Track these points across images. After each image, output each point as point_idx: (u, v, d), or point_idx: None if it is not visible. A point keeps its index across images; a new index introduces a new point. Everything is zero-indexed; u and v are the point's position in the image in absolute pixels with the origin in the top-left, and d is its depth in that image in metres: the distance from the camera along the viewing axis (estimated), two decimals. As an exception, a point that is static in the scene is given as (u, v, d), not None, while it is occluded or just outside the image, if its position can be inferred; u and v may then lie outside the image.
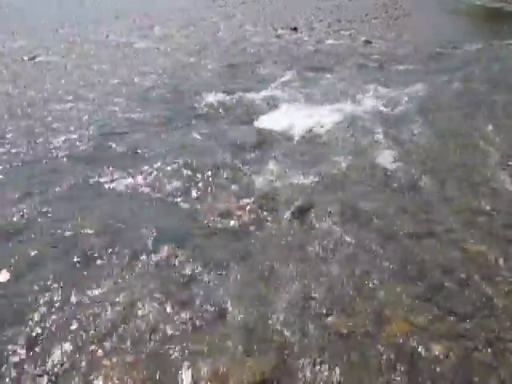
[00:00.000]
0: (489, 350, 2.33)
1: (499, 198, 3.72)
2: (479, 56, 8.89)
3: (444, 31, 12.23)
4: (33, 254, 3.02)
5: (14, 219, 3.39)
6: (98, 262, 2.95)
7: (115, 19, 13.76)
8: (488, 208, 3.60)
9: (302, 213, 3.46)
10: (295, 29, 11.54)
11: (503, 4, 19.01)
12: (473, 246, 3.16)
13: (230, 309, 2.57)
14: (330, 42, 10.14)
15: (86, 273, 2.85)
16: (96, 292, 2.69)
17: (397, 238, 3.20)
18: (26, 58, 8.46)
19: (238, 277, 2.82)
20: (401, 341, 2.36)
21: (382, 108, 5.65)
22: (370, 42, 10.05)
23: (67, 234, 3.22)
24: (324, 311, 2.56)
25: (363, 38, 10.37)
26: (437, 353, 2.29)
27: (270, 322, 2.48)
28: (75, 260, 2.96)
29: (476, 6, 19.64)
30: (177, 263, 2.93)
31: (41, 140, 4.76)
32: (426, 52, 9.13)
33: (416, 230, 3.29)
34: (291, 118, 5.21)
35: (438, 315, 2.53)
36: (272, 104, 5.73)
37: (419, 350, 2.31)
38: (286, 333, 2.41)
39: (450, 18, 15.83)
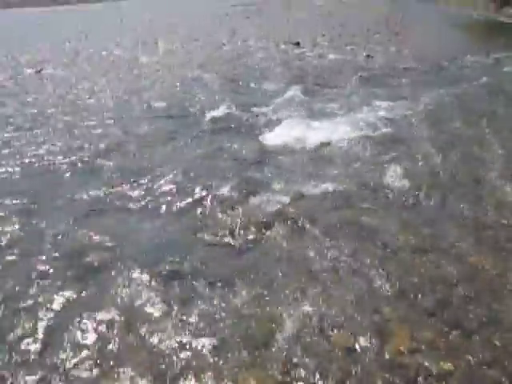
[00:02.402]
0: (496, 366, 2.30)
1: (504, 211, 3.69)
2: (479, 68, 8.94)
3: (444, 45, 12.31)
4: (33, 266, 3.02)
5: (16, 232, 3.39)
6: (99, 276, 2.94)
7: (120, 34, 13.96)
8: (492, 221, 3.58)
9: (305, 228, 3.45)
10: (298, 43, 11.66)
11: (502, 17, 19.17)
12: (478, 259, 3.13)
13: (232, 324, 2.55)
14: (332, 56, 10.23)
15: (86, 287, 2.84)
16: (96, 308, 2.66)
17: (401, 253, 3.18)
18: (32, 71, 8.57)
19: (241, 292, 2.81)
20: (405, 357, 2.33)
21: (384, 122, 5.66)
22: (372, 56, 10.13)
23: (68, 247, 3.22)
24: (328, 326, 2.53)
25: (365, 53, 10.46)
26: (442, 369, 2.26)
27: (273, 337, 2.46)
28: (77, 274, 2.95)
29: (476, 19, 19.80)
30: (178, 278, 2.92)
31: (44, 153, 4.79)
32: (426, 65, 9.19)
33: (420, 244, 3.27)
34: (295, 132, 5.22)
35: (444, 331, 2.50)
36: (275, 118, 5.75)
37: (425, 366, 2.29)
38: (290, 348, 2.39)
39: (450, 31, 15.96)
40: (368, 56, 10.19)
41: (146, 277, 2.93)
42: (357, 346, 2.40)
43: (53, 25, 16.68)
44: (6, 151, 4.88)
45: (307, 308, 2.68)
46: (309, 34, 13.47)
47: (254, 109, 6.20)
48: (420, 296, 2.79)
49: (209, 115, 5.95)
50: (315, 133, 5.19)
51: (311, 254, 3.17)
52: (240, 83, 7.77)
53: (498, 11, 20.71)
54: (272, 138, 5.15)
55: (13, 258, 3.15)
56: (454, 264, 3.08)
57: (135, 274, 2.95)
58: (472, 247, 3.25)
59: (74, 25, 16.59)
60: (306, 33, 13.83)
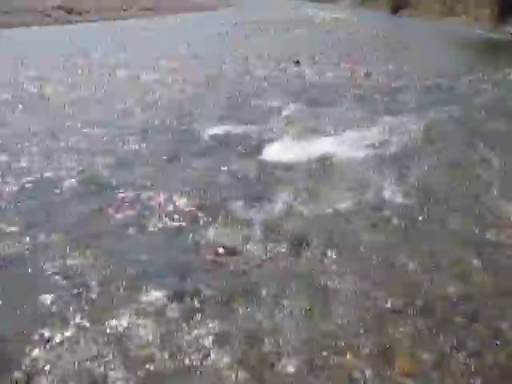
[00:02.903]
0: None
1: (505, 229, 3.69)
2: (478, 86, 9.03)
3: (443, 62, 12.45)
4: (33, 286, 2.99)
5: (16, 250, 3.38)
6: (99, 297, 2.91)
7: (123, 52, 14.11)
8: (493, 239, 3.57)
9: (305, 246, 3.44)
10: (298, 62, 11.79)
11: (500, 35, 19.43)
12: (480, 278, 3.11)
13: (233, 345, 2.51)
14: (331, 74, 10.33)
15: (85, 308, 2.81)
16: (93, 329, 2.64)
17: (402, 271, 3.17)
18: (33, 89, 8.65)
19: (242, 312, 2.78)
20: (409, 379, 2.30)
21: (383, 140, 5.69)
22: (371, 74, 10.23)
23: (68, 266, 3.19)
24: (329, 348, 2.50)
25: (364, 71, 10.56)
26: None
27: (274, 358, 2.43)
28: (75, 294, 2.92)
29: (473, 37, 20.07)
30: (179, 299, 2.89)
31: (44, 172, 4.79)
32: (425, 83, 9.29)
33: (421, 262, 3.25)
34: (295, 150, 5.25)
35: (447, 351, 2.47)
36: (275, 135, 5.78)
37: (429, 388, 2.25)
38: (293, 371, 2.35)
39: (449, 49, 16.15)
40: (367, 74, 10.28)
41: (145, 297, 2.90)
42: (358, 367, 2.36)
43: (53, 42, 16.89)
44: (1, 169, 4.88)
45: (308, 327, 2.65)
46: (308, 52, 13.62)
47: (254, 126, 6.24)
48: (422, 315, 2.76)
49: (208, 132, 5.99)
50: (315, 150, 5.21)
51: (311, 273, 3.15)
52: (240, 101, 7.83)
53: (495, 29, 21.04)
54: (271, 155, 5.17)
55: (9, 276, 3.13)
56: (457, 282, 3.06)
57: (135, 295, 2.92)
58: (474, 265, 3.24)
59: (74, 42, 16.78)
60: (306, 51, 13.98)
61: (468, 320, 2.73)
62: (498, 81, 9.70)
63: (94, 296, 2.90)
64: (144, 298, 2.87)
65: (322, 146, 5.36)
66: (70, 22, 26.58)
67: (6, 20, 24.89)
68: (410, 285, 3.03)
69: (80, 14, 29.96)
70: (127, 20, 29.72)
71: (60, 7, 30.16)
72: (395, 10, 35.35)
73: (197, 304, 2.84)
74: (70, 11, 29.62)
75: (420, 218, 3.86)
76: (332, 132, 5.95)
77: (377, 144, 5.52)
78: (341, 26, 23.74)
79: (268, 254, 3.35)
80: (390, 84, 9.24)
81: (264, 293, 2.94)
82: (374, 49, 14.57)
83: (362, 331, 2.63)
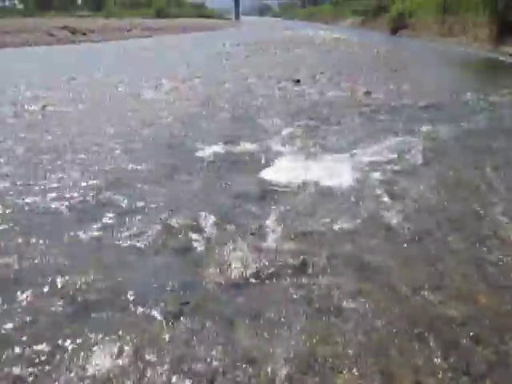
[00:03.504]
0: (508, 414, 2.19)
1: (508, 249, 3.64)
2: (478, 106, 9.07)
3: (443, 82, 12.56)
4: (28, 305, 2.94)
5: (11, 269, 3.34)
6: (96, 317, 2.86)
7: (124, 71, 14.27)
8: (497, 259, 3.52)
9: (307, 266, 3.39)
10: (298, 81, 11.89)
11: (499, 55, 19.65)
12: (483, 299, 3.06)
13: (233, 365, 2.45)
14: (331, 93, 10.40)
15: (83, 328, 2.76)
16: (91, 350, 2.58)
17: (404, 292, 3.11)
18: (36, 108, 8.71)
19: (243, 333, 2.72)
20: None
21: (385, 158, 5.68)
22: (371, 93, 10.30)
23: (64, 286, 3.15)
24: (330, 370, 2.44)
25: (364, 89, 10.64)
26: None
27: (275, 379, 2.36)
28: (72, 315, 2.87)
29: (474, 57, 20.31)
30: (179, 320, 2.84)
31: (43, 188, 4.79)
32: (425, 102, 9.33)
33: (424, 282, 3.20)
34: (295, 169, 5.23)
35: (451, 375, 2.41)
36: (276, 155, 5.77)
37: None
38: (291, 394, 2.29)
39: (449, 69, 16.32)
40: (367, 93, 10.35)
41: (145, 317, 2.86)
42: (360, 392, 2.29)
43: (56, 62, 17.09)
44: (3, 187, 4.87)
45: (309, 349, 2.59)
46: (308, 72, 13.76)
47: (254, 145, 6.24)
48: (425, 337, 2.70)
49: (209, 151, 5.98)
50: (315, 169, 5.20)
51: (313, 293, 3.10)
52: (240, 119, 7.87)
53: (494, 49, 21.29)
54: (272, 174, 5.15)
55: (7, 292, 3.08)
56: (460, 303, 3.00)
57: (135, 315, 2.87)
58: (477, 286, 3.18)
59: (77, 62, 16.99)
60: (306, 70, 14.13)
61: (472, 343, 2.67)
62: (497, 100, 9.75)
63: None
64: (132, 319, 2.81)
65: (323, 165, 5.34)
66: (73, 42, 27.01)
67: (10, 39, 25.29)
68: (412, 306, 2.97)
69: (84, 34, 30.48)
70: (130, 40, 30.21)
71: (64, 27, 30.71)
72: (394, 30, 35.91)
73: (194, 324, 2.78)
74: (73, 31, 30.12)
75: (421, 238, 3.81)
76: (332, 151, 5.95)
77: (377, 163, 5.51)
78: (341, 46, 24.07)
79: (267, 277, 3.30)
80: (390, 103, 9.29)
81: (264, 314, 2.88)
82: (374, 68, 14.71)
83: (362, 353, 2.56)
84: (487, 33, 22.85)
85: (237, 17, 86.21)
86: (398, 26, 36.03)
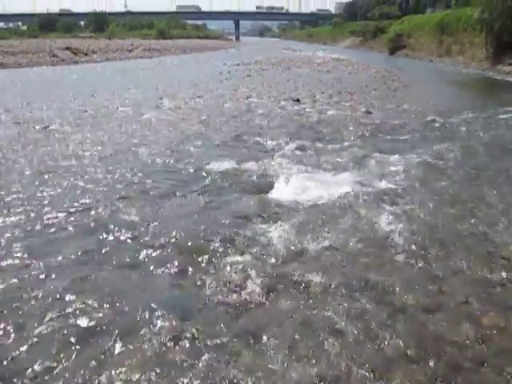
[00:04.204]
0: None
1: (511, 268, 3.62)
2: (476, 124, 9.14)
3: (441, 101, 12.66)
4: (29, 329, 2.92)
5: (12, 291, 3.32)
6: (98, 339, 2.83)
7: (127, 91, 14.41)
8: (501, 278, 3.50)
9: (309, 286, 3.37)
10: (298, 100, 12.00)
11: (496, 74, 19.88)
12: (488, 319, 3.03)
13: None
14: (331, 112, 10.48)
15: (84, 351, 2.74)
16: (93, 373, 2.55)
17: (408, 312, 3.08)
18: (39, 128, 8.76)
19: (243, 355, 2.69)
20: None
21: (385, 177, 5.69)
22: (371, 113, 10.38)
23: (66, 308, 3.12)
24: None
25: (363, 109, 10.72)
26: None
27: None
28: (73, 338, 2.84)
29: (471, 76, 20.53)
30: (180, 340, 2.81)
31: (45, 208, 4.78)
32: (424, 121, 9.41)
33: (427, 303, 3.18)
34: (296, 187, 5.23)
35: (457, 398, 2.37)
36: (277, 174, 5.78)
37: None
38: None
39: (446, 88, 16.48)
40: (367, 112, 10.44)
41: (143, 340, 2.83)
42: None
43: (59, 82, 17.28)
44: (6, 205, 4.87)
45: (312, 371, 2.56)
46: (308, 91, 13.89)
47: (255, 164, 6.26)
48: (430, 358, 2.67)
49: (210, 170, 6.00)
50: (316, 188, 5.20)
51: (316, 313, 3.07)
52: (241, 138, 7.91)
53: (491, 68, 21.56)
54: (273, 193, 5.16)
55: (4, 314, 3.06)
56: (464, 324, 2.98)
57: (133, 338, 2.84)
58: (481, 306, 3.16)
59: (80, 82, 17.17)
60: (306, 90, 14.27)
61: (477, 365, 2.64)
62: (495, 118, 9.83)
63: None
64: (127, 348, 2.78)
65: (323, 183, 5.34)
66: (76, 63, 27.36)
67: (13, 60, 25.63)
68: (418, 327, 2.94)
69: (86, 54, 30.91)
70: (132, 60, 30.60)
71: (67, 48, 31.16)
72: (393, 50, 36.42)
73: (194, 347, 2.75)
74: (76, 52, 30.54)
75: (425, 257, 3.79)
76: (333, 170, 5.96)
77: (378, 182, 5.51)
78: (340, 65, 24.34)
79: (268, 295, 3.28)
80: (389, 122, 9.35)
81: (264, 335, 2.86)
82: (373, 88, 14.85)
83: (367, 375, 2.53)
84: (484, 52, 23.19)
85: (237, 37, 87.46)
86: (396, 47, 36.57)
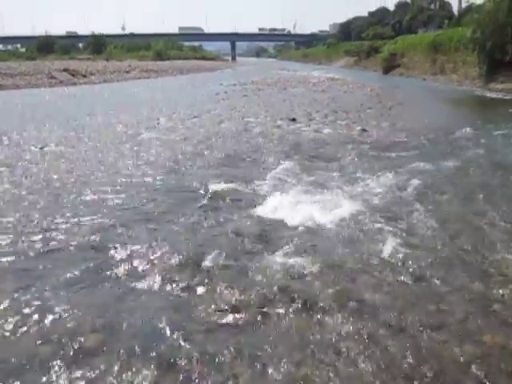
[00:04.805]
0: None
1: (511, 285, 3.60)
2: (470, 141, 9.21)
3: (436, 119, 12.80)
4: (25, 351, 2.87)
5: (9, 312, 3.27)
6: (93, 361, 2.79)
7: (124, 111, 14.52)
8: (501, 295, 3.47)
9: (306, 305, 3.33)
10: (294, 119, 12.10)
11: (489, 92, 20.14)
12: (490, 337, 3.00)
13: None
14: (327, 131, 10.56)
15: (80, 372, 2.69)
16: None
17: (407, 332, 3.05)
18: (36, 148, 8.78)
19: (241, 375, 2.65)
20: None
21: (382, 195, 5.70)
22: (366, 131, 10.46)
23: (62, 329, 3.08)
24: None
25: (359, 127, 10.81)
26: None
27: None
28: (69, 359, 2.80)
29: (465, 94, 20.79)
30: (176, 361, 2.77)
31: (42, 229, 4.76)
32: (419, 139, 9.47)
33: (427, 321, 3.14)
34: (293, 206, 5.23)
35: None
36: (274, 192, 5.78)
37: None
38: None
39: (441, 106, 16.68)
40: (363, 130, 10.52)
41: (139, 362, 2.78)
42: None
43: (57, 104, 17.39)
44: (2, 226, 4.85)
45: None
46: (304, 111, 14.02)
47: (252, 183, 6.27)
48: (430, 378, 2.63)
49: (206, 189, 6.00)
50: (312, 206, 5.19)
51: (312, 333, 3.03)
52: (238, 158, 7.94)
53: (484, 86, 21.86)
54: (269, 212, 5.14)
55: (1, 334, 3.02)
56: (465, 343, 2.94)
57: (129, 359, 2.80)
58: (482, 324, 3.13)
59: (78, 103, 17.29)
60: (302, 109, 14.41)
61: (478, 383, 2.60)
62: (490, 135, 9.91)
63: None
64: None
65: (321, 202, 5.33)
66: (74, 84, 27.61)
67: (11, 82, 25.84)
68: (418, 346, 2.90)
69: (84, 76, 31.21)
70: (129, 81, 30.91)
71: (65, 70, 31.48)
72: (387, 69, 36.96)
73: (192, 366, 2.71)
74: (74, 73, 30.84)
75: (424, 275, 3.76)
76: (330, 188, 5.97)
77: (374, 200, 5.52)
78: (335, 85, 24.65)
79: (265, 315, 3.24)
80: (385, 140, 9.42)
81: (261, 355, 2.82)
82: (369, 106, 15.00)
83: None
84: (477, 71, 23.56)
85: (233, 58, 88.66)
86: (390, 66, 37.11)
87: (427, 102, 17.45)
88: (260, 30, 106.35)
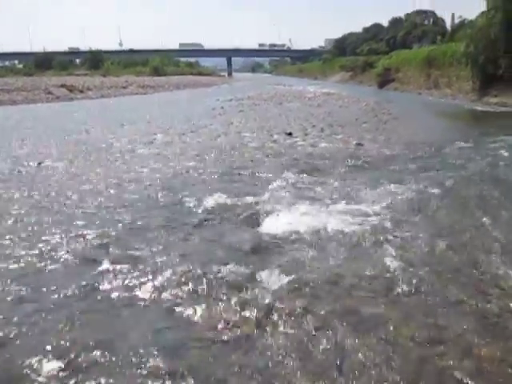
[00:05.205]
0: None
1: (507, 299, 3.60)
2: (466, 154, 9.27)
3: (431, 132, 12.90)
4: (21, 366, 2.85)
5: (4, 328, 3.25)
6: (89, 377, 2.76)
7: (121, 127, 14.57)
8: (497, 309, 3.47)
9: (304, 320, 3.32)
10: (290, 134, 12.17)
11: (483, 106, 20.35)
12: (486, 351, 2.99)
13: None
14: (323, 145, 10.62)
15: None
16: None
17: (404, 346, 3.04)
18: (33, 164, 8.79)
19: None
20: None
21: (379, 208, 5.71)
22: (362, 145, 10.52)
23: (59, 345, 3.07)
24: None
25: (355, 141, 10.88)
26: None
27: None
28: (65, 374, 2.78)
29: (459, 108, 20.99)
30: (174, 378, 2.75)
31: (37, 244, 4.75)
32: (415, 152, 9.53)
33: (424, 336, 3.14)
34: (290, 220, 5.24)
35: None
36: (270, 207, 5.79)
37: None
38: None
39: (436, 119, 16.82)
40: (358, 144, 10.58)
41: (136, 377, 2.76)
42: None
43: (54, 119, 17.45)
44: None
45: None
46: (300, 125, 14.11)
47: (248, 197, 6.28)
48: (428, 394, 2.62)
49: (204, 204, 6.01)
50: (309, 220, 5.20)
51: (310, 348, 3.02)
52: (234, 172, 7.96)
53: (478, 100, 22.11)
54: (266, 226, 5.15)
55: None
56: (462, 357, 2.94)
57: (126, 375, 2.78)
58: (478, 338, 3.12)
59: (75, 118, 17.35)
60: (298, 124, 14.50)
61: (477, 399, 2.59)
62: (484, 148, 9.99)
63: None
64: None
65: (317, 216, 5.35)
66: (71, 99, 27.75)
67: (8, 97, 25.94)
68: (413, 360, 2.90)
69: (81, 91, 31.38)
70: (126, 96, 31.09)
71: (62, 85, 31.65)
72: (382, 84, 37.36)
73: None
74: (71, 89, 31.00)
75: (420, 289, 3.76)
76: (326, 202, 5.98)
77: (371, 213, 5.53)
78: (331, 99, 24.85)
79: (263, 329, 3.23)
80: (381, 154, 9.48)
81: (259, 370, 2.80)
82: (364, 120, 15.11)
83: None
84: (470, 85, 23.85)
85: (229, 74, 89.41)
86: (385, 80, 37.52)
87: (422, 116, 17.60)
88: (260, 45, 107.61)
